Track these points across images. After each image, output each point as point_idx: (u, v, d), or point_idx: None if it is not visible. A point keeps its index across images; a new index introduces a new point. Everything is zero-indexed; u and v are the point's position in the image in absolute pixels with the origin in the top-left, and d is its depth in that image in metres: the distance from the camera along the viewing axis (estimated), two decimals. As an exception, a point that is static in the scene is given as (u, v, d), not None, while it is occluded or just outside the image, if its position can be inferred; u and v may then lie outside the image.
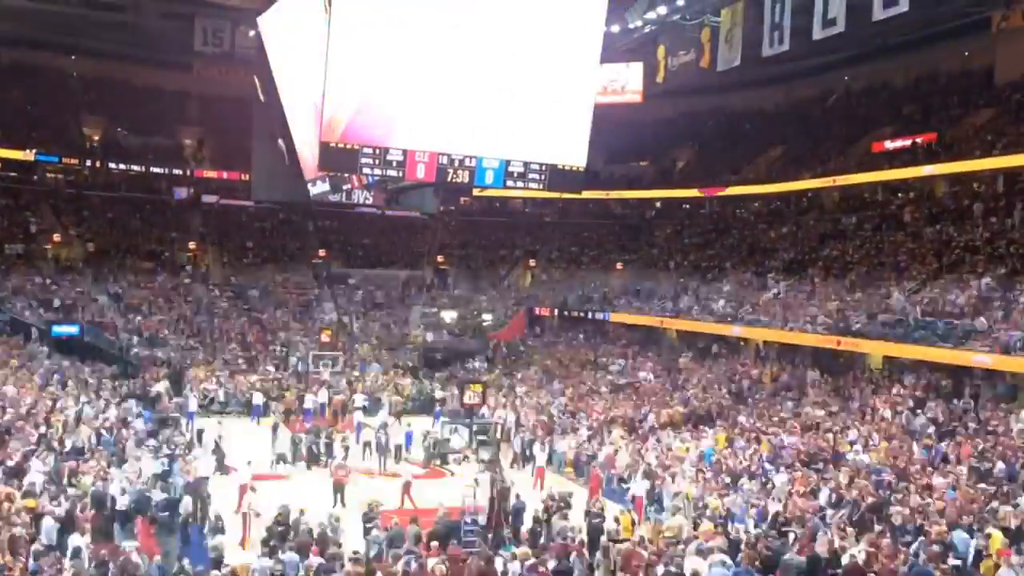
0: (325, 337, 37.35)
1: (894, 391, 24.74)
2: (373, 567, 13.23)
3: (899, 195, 36.62)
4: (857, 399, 25.29)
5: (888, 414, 23.27)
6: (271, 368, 35.85)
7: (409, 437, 25.89)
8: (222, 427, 25.14)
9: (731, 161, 45.91)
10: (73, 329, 34.61)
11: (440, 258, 49.73)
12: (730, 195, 43.70)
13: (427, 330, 43.01)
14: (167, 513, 17.93)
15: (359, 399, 29.55)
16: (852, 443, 21.93)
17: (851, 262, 32.61)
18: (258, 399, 30.42)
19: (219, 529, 16.24)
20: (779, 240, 38.89)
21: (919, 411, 22.81)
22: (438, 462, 25.19)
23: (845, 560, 14.00)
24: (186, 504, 17.72)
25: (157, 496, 18.39)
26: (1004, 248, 27.48)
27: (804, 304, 30.89)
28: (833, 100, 45.21)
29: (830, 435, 22.77)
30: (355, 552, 14.81)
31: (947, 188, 34.30)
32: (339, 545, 14.83)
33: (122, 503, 16.98)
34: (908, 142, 35.54)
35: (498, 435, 26.66)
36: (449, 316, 43.42)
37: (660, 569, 13.51)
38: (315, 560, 13.29)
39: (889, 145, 36.46)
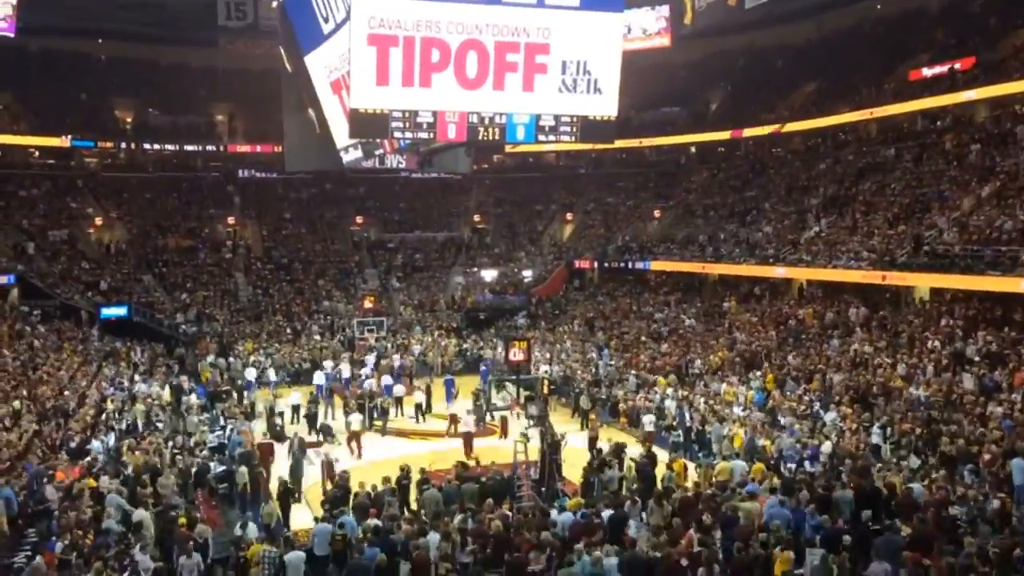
0: (368, 303, 37.69)
1: (943, 322, 24.40)
2: (428, 526, 13.45)
3: (938, 123, 35.74)
4: (905, 333, 24.99)
5: (937, 345, 22.97)
6: (317, 337, 36.31)
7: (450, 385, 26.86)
8: (275, 399, 25.66)
9: (765, 100, 45.11)
10: (122, 311, 35.31)
11: (477, 217, 49.79)
12: (765, 134, 42.98)
13: (468, 290, 43.26)
14: (225, 484, 18.36)
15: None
16: (903, 377, 21.73)
17: (893, 194, 32.01)
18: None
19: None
20: (818, 177, 38.26)
21: (969, 341, 22.48)
22: (489, 420, 25.46)
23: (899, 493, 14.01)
24: (242, 474, 18.12)
25: (215, 468, 18.85)
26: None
27: (847, 240, 30.46)
28: (866, 30, 44.09)
29: (880, 370, 22.57)
30: (411, 512, 15.11)
31: (988, 112, 33.41)
32: (396, 506, 15.12)
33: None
34: (945, 68, 34.60)
35: (545, 390, 26.81)
36: (489, 275, 43.55)
37: (714, 513, 13.56)
38: (372, 522, 13.54)
39: (926, 72, 35.52)
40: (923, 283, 26.44)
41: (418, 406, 26.26)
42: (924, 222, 28.41)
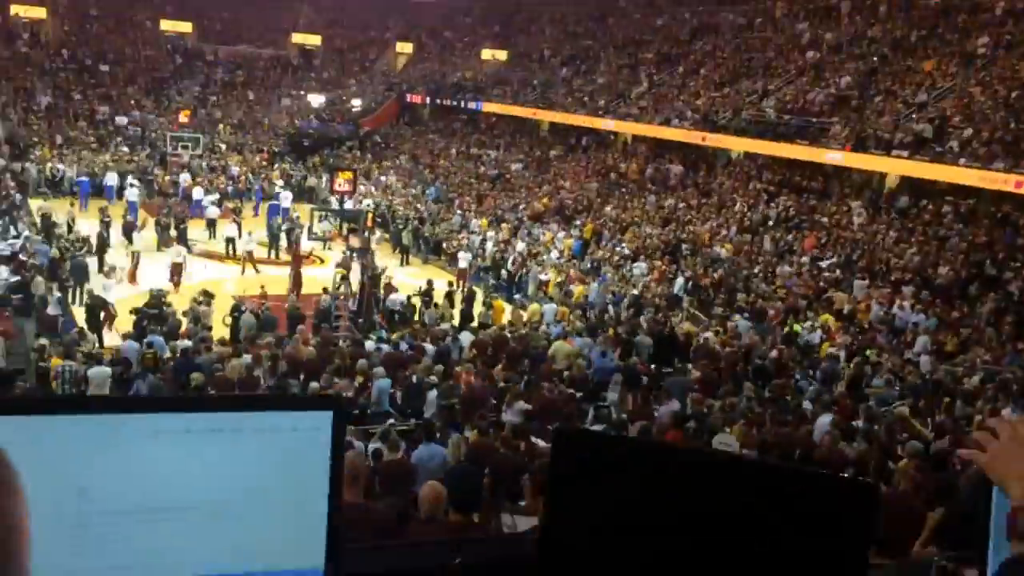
0: (183, 118, 35.42)
1: (751, 186, 25.84)
2: (243, 349, 13.30)
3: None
4: (716, 193, 26.33)
5: (743, 208, 24.39)
6: (125, 148, 33.96)
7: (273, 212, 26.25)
8: (74, 209, 24.09)
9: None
10: None
11: (305, 36, 47.17)
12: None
13: (293, 115, 41.43)
14: (20, 295, 17.34)
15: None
16: (710, 234, 23.07)
17: (723, 57, 32.81)
18: (111, 179, 28.99)
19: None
20: (654, 32, 38.50)
21: (772, 204, 23.98)
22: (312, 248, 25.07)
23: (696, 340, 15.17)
24: (38, 285, 17.13)
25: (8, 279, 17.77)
26: (865, 47, 28.13)
27: (674, 99, 31.22)
28: None
29: (690, 227, 23.81)
30: (223, 337, 14.90)
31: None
32: (208, 328, 14.86)
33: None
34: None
35: (370, 223, 26.56)
36: (316, 100, 41.80)
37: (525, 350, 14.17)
38: (183, 343, 13.26)
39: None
40: (738, 147, 27.66)
41: (229, 240, 24.03)
42: (746, 87, 29.48)
